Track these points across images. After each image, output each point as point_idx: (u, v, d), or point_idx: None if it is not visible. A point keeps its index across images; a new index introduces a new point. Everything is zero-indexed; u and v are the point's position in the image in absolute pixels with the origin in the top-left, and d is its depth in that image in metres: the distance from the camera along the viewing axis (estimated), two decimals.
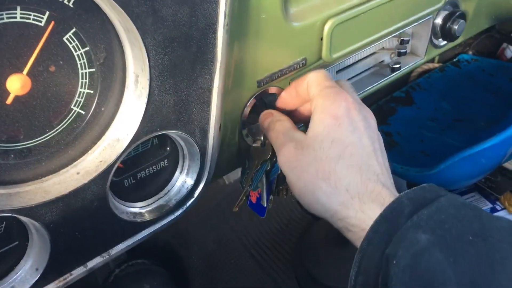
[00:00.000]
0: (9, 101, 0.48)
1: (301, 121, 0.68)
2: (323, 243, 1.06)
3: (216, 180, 1.13)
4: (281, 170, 0.76)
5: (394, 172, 1.18)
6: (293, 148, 0.58)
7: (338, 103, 0.57)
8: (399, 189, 1.43)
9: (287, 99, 0.66)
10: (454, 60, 1.51)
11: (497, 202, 1.20)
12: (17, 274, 0.54)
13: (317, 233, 1.10)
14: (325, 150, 0.55)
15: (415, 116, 1.41)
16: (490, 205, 1.20)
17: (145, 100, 0.53)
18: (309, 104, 0.62)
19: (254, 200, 0.79)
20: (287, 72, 0.72)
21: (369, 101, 1.42)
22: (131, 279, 1.01)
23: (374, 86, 0.89)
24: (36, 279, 0.54)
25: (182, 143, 0.62)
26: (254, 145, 0.77)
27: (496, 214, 1.18)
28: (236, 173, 1.14)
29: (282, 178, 0.78)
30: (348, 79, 0.88)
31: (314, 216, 1.22)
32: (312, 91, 0.60)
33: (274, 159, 0.76)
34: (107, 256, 0.60)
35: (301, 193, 0.57)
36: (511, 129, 0.97)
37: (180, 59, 0.53)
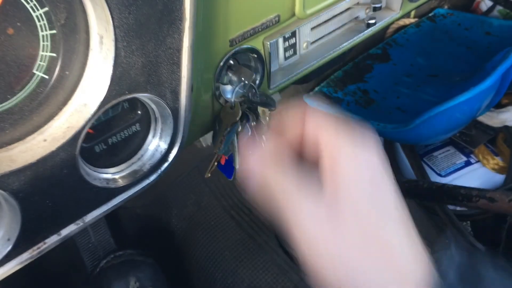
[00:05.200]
0: None
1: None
2: None
3: (192, 143, 1.12)
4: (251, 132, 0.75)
5: None
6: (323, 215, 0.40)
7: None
8: None
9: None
10: (430, 14, 1.50)
11: (472, 155, 1.22)
12: None
13: None
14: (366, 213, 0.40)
15: (391, 73, 1.40)
16: (464, 158, 1.23)
17: (112, 62, 0.51)
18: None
19: (223, 162, 0.78)
20: (259, 30, 0.70)
21: (345, 58, 1.40)
22: (117, 271, 1.01)
23: (349, 43, 0.88)
24: (9, 249, 0.53)
25: (154, 106, 0.61)
26: (225, 105, 0.76)
27: (470, 167, 1.21)
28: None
29: None
30: (323, 36, 0.86)
31: None
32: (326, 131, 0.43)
33: (244, 121, 0.75)
34: (82, 224, 0.59)
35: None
36: (485, 83, 0.98)
37: (146, 18, 0.51)
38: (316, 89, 1.36)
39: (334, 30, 0.87)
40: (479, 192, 0.59)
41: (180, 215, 1.17)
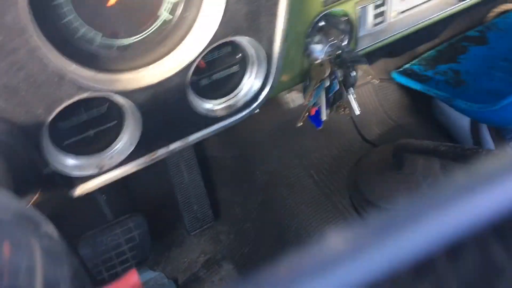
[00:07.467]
0: (111, 2, 0.59)
1: None
2: (378, 167, 1.13)
3: (281, 97, 1.22)
4: (339, 87, 0.83)
5: (457, 108, 1.20)
6: None
7: None
8: (459, 127, 1.42)
9: None
10: None
11: None
12: (116, 147, 0.68)
13: (374, 158, 1.17)
14: None
15: (486, 56, 1.39)
16: None
17: (223, 7, 0.62)
18: None
19: (313, 112, 0.87)
20: None
21: (438, 36, 1.41)
22: None
23: (439, 15, 0.91)
24: (130, 152, 0.67)
25: (252, 50, 0.71)
26: (315, 62, 0.85)
27: None
28: (301, 98, 1.23)
29: (339, 95, 0.85)
30: (413, 7, 0.91)
31: (373, 144, 1.29)
32: None
33: (333, 77, 0.83)
34: (185, 142, 0.72)
35: None
36: None
37: None
38: (407, 65, 1.39)
39: (424, 2, 0.91)
40: None
41: (263, 168, 1.29)
